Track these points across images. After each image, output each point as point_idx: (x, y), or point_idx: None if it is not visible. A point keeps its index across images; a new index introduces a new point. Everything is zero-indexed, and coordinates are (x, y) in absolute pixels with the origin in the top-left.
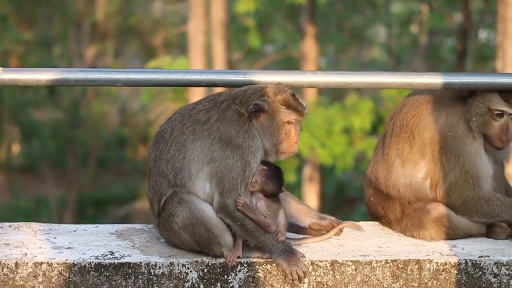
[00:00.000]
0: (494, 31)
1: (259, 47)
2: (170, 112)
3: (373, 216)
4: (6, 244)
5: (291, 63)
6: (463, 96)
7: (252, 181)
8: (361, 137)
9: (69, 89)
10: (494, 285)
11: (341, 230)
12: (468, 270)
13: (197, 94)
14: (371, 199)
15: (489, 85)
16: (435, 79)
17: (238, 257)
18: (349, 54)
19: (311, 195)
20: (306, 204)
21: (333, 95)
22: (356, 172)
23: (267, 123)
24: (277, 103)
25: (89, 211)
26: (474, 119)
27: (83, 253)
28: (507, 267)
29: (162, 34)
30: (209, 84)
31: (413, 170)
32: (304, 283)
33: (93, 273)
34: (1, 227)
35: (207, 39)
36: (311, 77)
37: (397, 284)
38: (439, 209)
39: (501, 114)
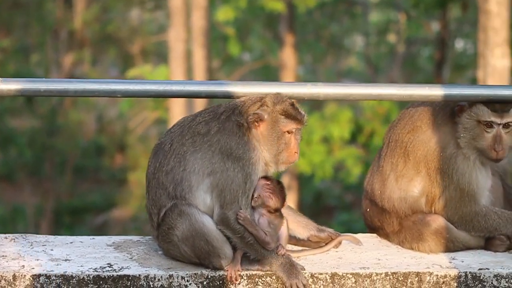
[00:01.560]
0: (471, 40)
1: (237, 56)
2: (150, 121)
3: (370, 227)
4: (3, 256)
5: (270, 72)
6: (455, 114)
7: (255, 196)
8: (340, 146)
9: (47, 97)
10: None
11: (339, 243)
12: (468, 282)
13: (178, 104)
14: (368, 210)
15: (490, 96)
16: (436, 91)
17: (238, 271)
18: (327, 63)
19: (289, 203)
20: (305, 216)
21: (312, 104)
22: (334, 181)
23: (267, 133)
24: (276, 112)
25: (66, 219)
26: (462, 135)
27: (81, 265)
28: (506, 279)
29: (140, 42)
30: (209, 96)
31: (408, 185)
32: None
33: (91, 285)
34: None
35: (187, 48)
36: (311, 88)
37: None
38: (439, 221)
39: (491, 125)
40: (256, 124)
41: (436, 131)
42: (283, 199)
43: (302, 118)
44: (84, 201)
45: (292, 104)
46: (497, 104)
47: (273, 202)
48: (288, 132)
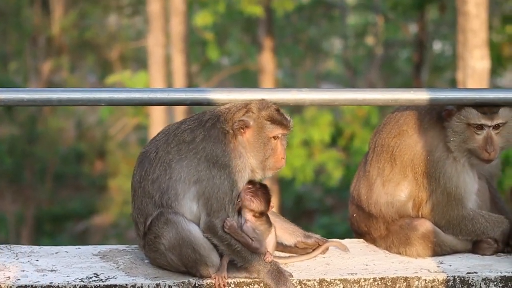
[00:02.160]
0: (450, 42)
1: (216, 60)
2: (130, 127)
3: (357, 232)
4: None
5: (248, 76)
6: (442, 118)
7: (238, 200)
8: (321, 150)
9: None
10: None
11: (327, 249)
12: (456, 286)
13: (158, 110)
14: (354, 215)
15: (475, 100)
16: (421, 95)
17: (225, 278)
18: (305, 67)
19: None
20: (292, 223)
21: (292, 107)
22: (315, 184)
23: (253, 140)
24: (262, 118)
25: (47, 227)
26: (453, 139)
27: (68, 276)
28: (495, 283)
29: (119, 48)
30: (194, 103)
31: (395, 189)
32: None
33: None
34: None
35: (166, 53)
36: (296, 94)
37: None
38: (426, 225)
39: (481, 127)
40: (242, 131)
41: (422, 135)
42: (266, 201)
43: (288, 123)
44: (64, 208)
45: (278, 110)
46: (487, 107)
47: (255, 205)
48: (274, 137)
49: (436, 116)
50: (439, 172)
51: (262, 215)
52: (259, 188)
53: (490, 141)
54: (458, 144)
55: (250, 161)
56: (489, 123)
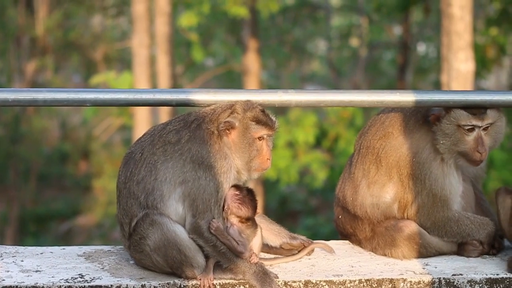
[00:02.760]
0: (434, 44)
1: (201, 61)
2: (114, 128)
3: (342, 234)
4: None
5: (233, 77)
6: (428, 121)
7: (225, 207)
8: (305, 151)
9: None
10: None
11: (312, 250)
12: None
13: (143, 110)
14: (340, 217)
15: (461, 102)
16: (407, 97)
17: (210, 280)
18: (290, 68)
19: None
20: (277, 224)
21: (276, 109)
22: (299, 185)
23: (238, 140)
24: (247, 119)
25: (31, 227)
26: (442, 141)
27: (53, 276)
28: (480, 285)
29: (103, 48)
30: (180, 104)
31: (381, 191)
32: None
33: None
34: None
35: (151, 54)
36: (282, 96)
37: None
38: (411, 227)
39: (472, 128)
40: (228, 132)
41: (408, 137)
42: (254, 208)
43: (273, 124)
44: (48, 208)
45: (263, 111)
46: (476, 108)
47: (243, 212)
48: (260, 138)
49: (422, 119)
50: (424, 174)
51: (249, 220)
52: (246, 195)
53: (481, 142)
54: (448, 147)
55: (235, 162)
56: (479, 123)
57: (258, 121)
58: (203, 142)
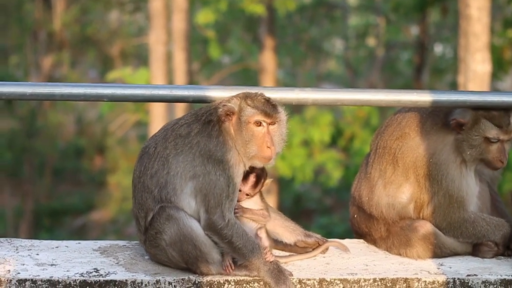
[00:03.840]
0: (451, 44)
1: (217, 58)
2: (130, 123)
3: (357, 233)
4: None
5: (249, 75)
6: (447, 124)
7: None
8: (320, 150)
9: None
10: None
11: (327, 249)
12: None
13: (159, 106)
14: (355, 216)
15: (478, 103)
16: (424, 97)
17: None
18: (306, 66)
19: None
20: (292, 221)
21: (292, 107)
22: (314, 184)
23: (237, 126)
24: (245, 104)
25: (46, 221)
26: (469, 152)
27: (68, 270)
28: (495, 286)
29: (119, 44)
30: (196, 100)
31: (397, 191)
32: None
33: None
34: None
35: (168, 50)
36: (299, 94)
37: None
38: (426, 227)
39: (497, 140)
40: (229, 117)
41: (425, 138)
42: (252, 184)
43: (272, 112)
44: (63, 203)
45: (266, 99)
46: (501, 119)
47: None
48: (256, 124)
49: (440, 121)
50: (441, 175)
51: (248, 195)
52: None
53: (504, 152)
54: (474, 155)
55: (237, 149)
56: (506, 137)
57: (254, 106)
58: (210, 135)
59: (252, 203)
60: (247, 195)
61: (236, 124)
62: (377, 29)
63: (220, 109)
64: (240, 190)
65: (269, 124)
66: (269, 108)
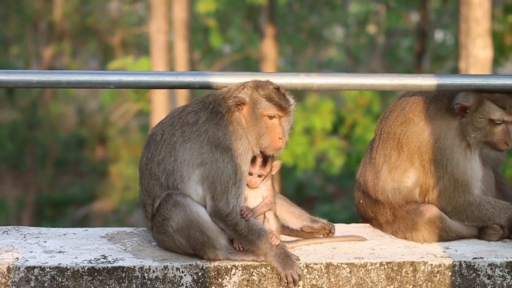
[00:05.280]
0: (451, 31)
1: (218, 47)
2: (131, 113)
3: (363, 218)
4: None
5: (250, 64)
6: (451, 108)
7: None
8: (322, 137)
9: (27, 90)
10: (488, 287)
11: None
12: (462, 272)
13: (160, 95)
14: (361, 201)
15: (482, 86)
16: (429, 81)
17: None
18: (307, 54)
19: None
20: (298, 207)
21: (293, 95)
22: (316, 172)
23: (249, 116)
24: (257, 95)
25: (47, 212)
26: (473, 135)
27: (76, 257)
28: (501, 268)
29: (120, 34)
30: (202, 86)
31: (402, 176)
32: (299, 286)
33: (86, 277)
34: None
35: (169, 39)
36: (304, 79)
37: (392, 286)
38: (432, 211)
39: (502, 122)
40: (240, 107)
41: (429, 123)
42: (261, 162)
43: (286, 105)
44: (65, 193)
45: (278, 89)
46: (504, 101)
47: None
48: (270, 117)
49: (444, 106)
50: (446, 159)
51: (251, 174)
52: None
53: (508, 133)
54: (479, 138)
55: (248, 139)
56: (510, 119)
57: (269, 99)
58: (219, 123)
59: (264, 187)
60: (259, 176)
61: (248, 114)
62: (378, 16)
63: (231, 100)
64: (251, 174)
65: (281, 117)
66: (283, 101)
